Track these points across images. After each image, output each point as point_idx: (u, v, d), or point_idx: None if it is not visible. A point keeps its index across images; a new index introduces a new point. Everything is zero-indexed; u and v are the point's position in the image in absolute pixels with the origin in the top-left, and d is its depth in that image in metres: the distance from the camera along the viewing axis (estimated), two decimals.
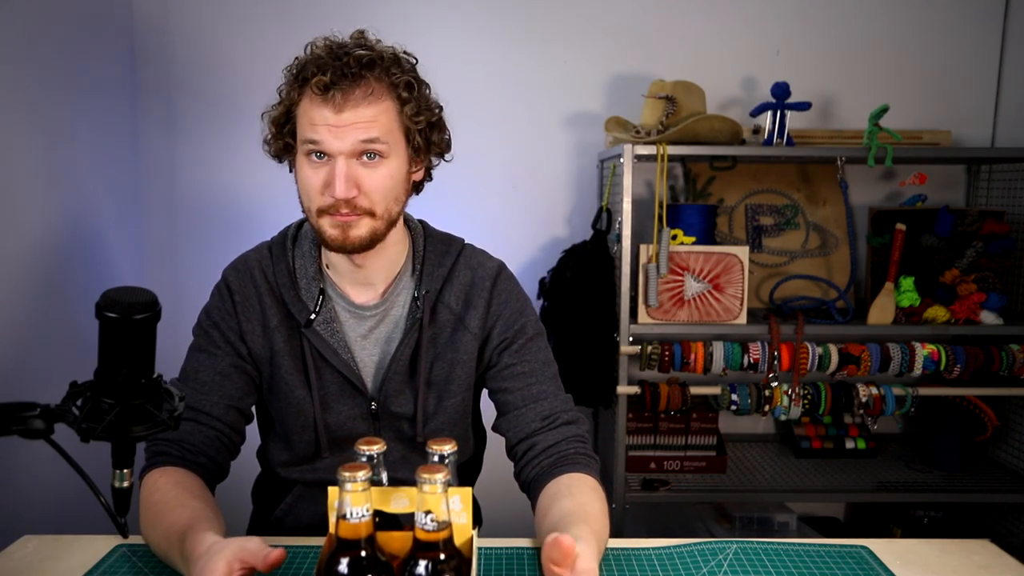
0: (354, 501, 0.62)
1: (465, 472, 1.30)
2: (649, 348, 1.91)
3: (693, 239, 1.92)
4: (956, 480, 2.01)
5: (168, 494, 0.96)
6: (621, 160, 1.84)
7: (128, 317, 0.71)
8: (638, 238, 2.00)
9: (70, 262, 1.75)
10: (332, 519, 0.67)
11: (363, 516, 0.63)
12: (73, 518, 1.60)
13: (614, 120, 1.97)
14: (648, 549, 1.00)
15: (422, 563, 0.63)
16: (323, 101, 0.97)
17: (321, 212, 1.01)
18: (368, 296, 1.12)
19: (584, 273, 1.95)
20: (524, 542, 1.00)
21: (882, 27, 2.16)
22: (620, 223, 1.89)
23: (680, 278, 1.89)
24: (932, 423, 2.10)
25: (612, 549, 0.99)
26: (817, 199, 2.18)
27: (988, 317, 1.90)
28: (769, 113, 1.92)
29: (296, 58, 1.04)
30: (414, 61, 1.07)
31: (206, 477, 1.05)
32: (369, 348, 1.13)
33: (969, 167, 2.21)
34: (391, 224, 1.06)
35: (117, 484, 0.78)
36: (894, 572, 0.95)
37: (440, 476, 0.62)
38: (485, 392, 1.22)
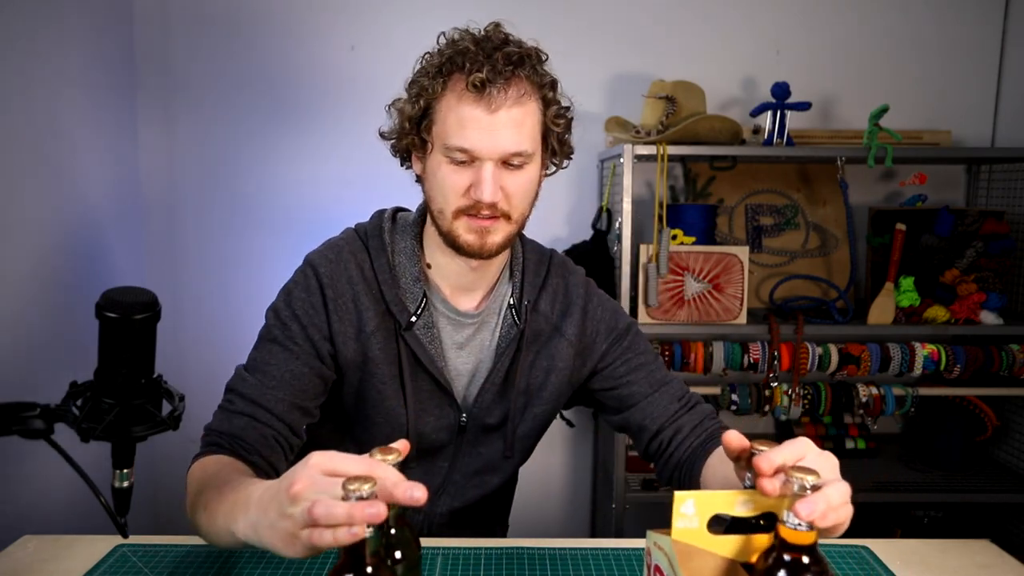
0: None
1: (509, 484, 1.25)
2: None
3: (693, 239, 1.92)
4: (956, 480, 2.01)
5: (213, 468, 0.87)
6: (621, 160, 1.84)
7: (128, 317, 0.71)
8: (638, 238, 2.00)
9: (70, 262, 1.75)
10: (676, 524, 0.64)
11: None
12: (73, 518, 1.60)
13: (614, 120, 1.97)
14: None
15: (790, 563, 0.62)
16: (475, 100, 0.91)
17: (458, 213, 0.95)
18: (469, 303, 1.07)
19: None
20: (527, 542, 1.00)
21: (882, 27, 2.16)
22: (620, 223, 1.89)
23: (680, 278, 1.89)
24: (932, 423, 2.10)
25: (612, 549, 0.99)
26: (817, 199, 2.18)
27: (988, 317, 1.90)
28: (769, 113, 1.92)
29: (427, 53, 0.99)
30: (545, 57, 1.00)
31: (257, 476, 0.93)
32: (463, 357, 1.07)
33: (969, 167, 2.21)
34: (521, 229, 1.02)
35: (117, 484, 0.78)
36: (894, 572, 0.95)
37: (812, 478, 0.60)
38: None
